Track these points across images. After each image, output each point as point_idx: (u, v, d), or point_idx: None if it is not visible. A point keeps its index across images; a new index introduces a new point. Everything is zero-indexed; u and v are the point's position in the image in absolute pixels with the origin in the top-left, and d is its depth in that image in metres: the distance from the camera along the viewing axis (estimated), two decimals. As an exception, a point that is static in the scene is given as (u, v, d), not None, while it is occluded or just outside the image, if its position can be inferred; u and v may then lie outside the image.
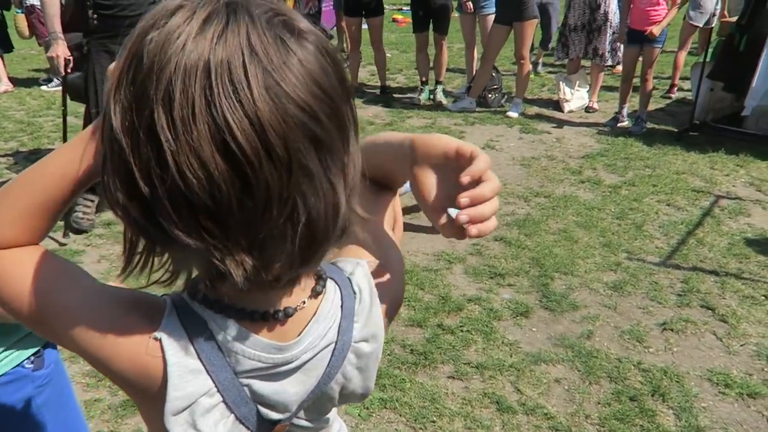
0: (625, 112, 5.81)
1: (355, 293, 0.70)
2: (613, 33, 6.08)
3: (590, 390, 2.38)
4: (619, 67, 7.68)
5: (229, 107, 0.48)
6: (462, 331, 2.72)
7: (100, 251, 3.39)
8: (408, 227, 3.61)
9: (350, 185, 0.57)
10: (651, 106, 5.98)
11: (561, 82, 6.37)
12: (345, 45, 8.36)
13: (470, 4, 6.33)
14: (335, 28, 9.18)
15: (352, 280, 0.71)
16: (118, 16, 3.27)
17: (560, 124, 5.91)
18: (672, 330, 2.74)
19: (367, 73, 7.94)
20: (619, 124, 5.79)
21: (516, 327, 2.77)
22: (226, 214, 0.51)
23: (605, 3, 5.91)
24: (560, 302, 2.94)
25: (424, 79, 6.75)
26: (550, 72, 7.80)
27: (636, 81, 5.65)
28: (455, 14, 6.88)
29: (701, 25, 6.28)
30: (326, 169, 0.54)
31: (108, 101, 0.52)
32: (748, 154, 4.89)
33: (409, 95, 6.94)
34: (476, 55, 6.78)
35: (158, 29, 0.50)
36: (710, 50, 5.39)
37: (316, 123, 0.52)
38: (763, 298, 2.97)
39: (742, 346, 2.64)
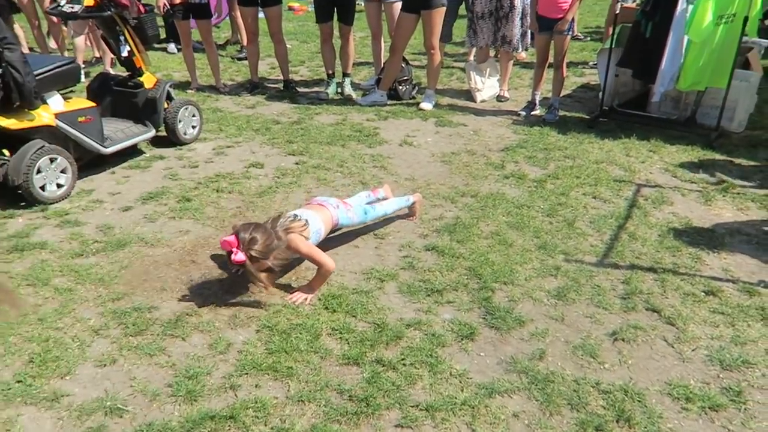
0: (537, 99, 5.73)
1: None
2: (521, 19, 5.98)
3: (552, 423, 2.14)
4: (523, 54, 7.71)
5: None
6: (404, 365, 2.39)
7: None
8: (333, 241, 3.24)
9: None
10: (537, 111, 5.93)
11: (471, 72, 6.20)
12: (240, 37, 7.77)
13: (375, -8, 5.98)
14: (228, 17, 8.52)
15: None
16: None
17: (475, 114, 5.74)
18: (623, 340, 2.57)
19: (267, 67, 7.41)
20: (533, 112, 5.70)
21: (462, 353, 2.49)
22: None
23: (511, -11, 5.78)
24: (505, 318, 2.69)
25: (330, 71, 6.35)
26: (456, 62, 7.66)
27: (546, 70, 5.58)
28: (360, 3, 6.52)
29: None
30: None
31: None
32: (658, 138, 4.93)
33: (315, 89, 6.51)
34: (383, 44, 6.47)
35: None
36: (615, 37, 5.40)
37: None
38: (703, 294, 2.89)
39: (693, 351, 2.52)
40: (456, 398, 2.23)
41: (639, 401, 2.24)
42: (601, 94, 5.46)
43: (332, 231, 3.12)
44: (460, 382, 2.32)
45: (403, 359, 2.42)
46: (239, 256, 2.58)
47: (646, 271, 3.08)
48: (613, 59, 5.29)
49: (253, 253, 2.60)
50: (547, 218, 3.65)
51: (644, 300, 2.85)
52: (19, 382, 2.27)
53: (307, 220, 2.88)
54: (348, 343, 2.51)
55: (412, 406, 2.19)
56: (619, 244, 3.34)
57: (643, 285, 2.96)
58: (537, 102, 5.73)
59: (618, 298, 2.86)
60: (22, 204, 3.70)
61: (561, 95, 5.69)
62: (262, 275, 2.66)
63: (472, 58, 7.11)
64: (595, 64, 6.55)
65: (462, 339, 2.56)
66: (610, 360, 2.46)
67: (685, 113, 5.24)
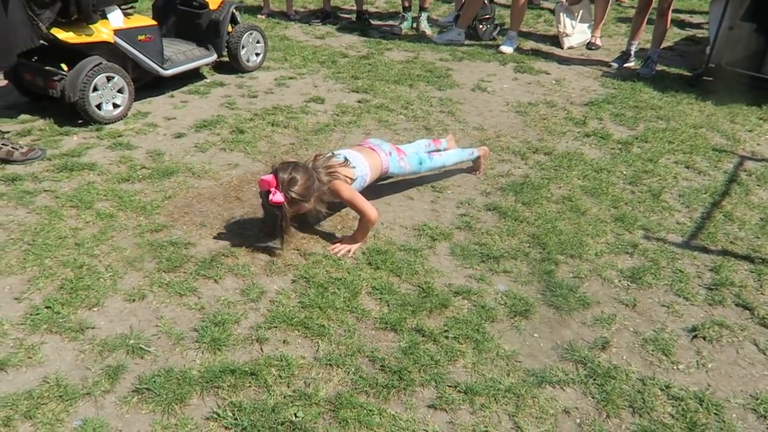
0: (633, 50, 5.12)
1: None
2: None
3: (609, 427, 1.87)
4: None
5: None
6: (447, 337, 2.15)
7: (-3, 216, 2.71)
8: (385, 189, 2.99)
9: None
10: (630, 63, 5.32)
11: (562, 14, 5.61)
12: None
13: None
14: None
15: None
16: None
17: (560, 62, 5.21)
18: (704, 338, 2.22)
19: (342, -5, 7.03)
20: (626, 64, 5.12)
21: (513, 331, 2.22)
22: None
23: None
24: (567, 297, 2.39)
25: (406, 4, 5.92)
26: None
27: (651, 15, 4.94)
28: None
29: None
30: None
31: None
32: (771, 105, 4.30)
33: (389, 23, 6.11)
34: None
35: None
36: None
37: None
38: (808, 294, 2.46)
39: (789, 361, 2.14)
40: (500, 383, 1.98)
41: (716, 414, 1.92)
42: (708, 48, 4.79)
43: (381, 179, 2.85)
44: (507, 365, 2.07)
45: (446, 331, 2.18)
46: (277, 196, 2.37)
47: (740, 259, 2.66)
48: (729, 9, 4.59)
49: (293, 195, 2.38)
50: (629, 186, 3.23)
51: (735, 294, 2.46)
52: (48, 307, 2.20)
53: (351, 162, 2.63)
54: (388, 306, 2.29)
55: (449, 386, 1.96)
56: (711, 224, 2.91)
57: (736, 276, 2.56)
58: (632, 53, 5.13)
59: (703, 288, 2.49)
60: (79, 122, 3.63)
61: (661, 47, 5.05)
62: (291, 230, 2.47)
63: (564, -2, 6.46)
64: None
65: (515, 315, 2.29)
66: (686, 360, 2.13)
67: (808, 78, 4.52)
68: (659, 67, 5.05)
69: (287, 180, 2.38)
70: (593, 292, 2.44)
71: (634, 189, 3.21)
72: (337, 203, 2.76)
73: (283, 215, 2.43)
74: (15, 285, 2.31)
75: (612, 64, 5.14)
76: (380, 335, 2.17)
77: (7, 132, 3.35)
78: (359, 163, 2.67)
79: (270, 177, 2.38)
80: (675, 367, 2.10)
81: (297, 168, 2.43)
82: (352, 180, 2.63)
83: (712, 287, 2.49)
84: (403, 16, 5.93)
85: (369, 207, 2.56)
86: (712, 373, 2.09)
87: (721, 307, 2.39)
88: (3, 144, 3.13)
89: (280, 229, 2.47)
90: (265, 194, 2.43)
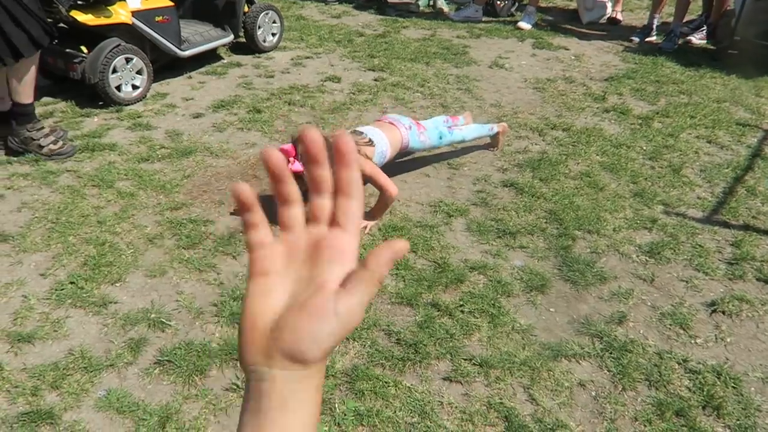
0: (655, 23, 5.01)
1: None
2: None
3: (624, 399, 1.87)
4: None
5: None
6: (463, 312, 2.17)
7: (22, 196, 2.77)
8: (401, 166, 2.99)
9: None
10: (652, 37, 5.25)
11: (582, -12, 5.50)
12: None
13: None
14: None
15: None
16: None
17: (579, 37, 5.12)
18: (723, 312, 2.20)
19: (358, -26, 6.97)
20: (647, 39, 5.01)
21: (529, 306, 2.23)
22: None
23: None
24: (584, 272, 2.38)
25: (423, -19, 5.84)
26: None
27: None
28: None
29: None
30: None
31: None
32: (799, 78, 4.18)
33: (406, 1, 6.05)
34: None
35: None
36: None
37: None
38: (832, 269, 2.42)
39: (811, 335, 2.12)
40: (516, 356, 1.99)
41: (734, 387, 1.91)
42: (734, 21, 4.66)
43: (401, 154, 2.85)
44: (523, 338, 2.07)
45: (461, 305, 2.19)
46: (297, 165, 2.38)
47: (763, 234, 2.62)
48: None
49: None
50: (648, 161, 3.19)
51: (756, 268, 2.42)
52: (72, 283, 2.26)
53: (371, 139, 2.63)
54: (404, 281, 2.31)
55: (464, 359, 1.98)
56: (733, 199, 2.87)
57: (757, 251, 2.52)
58: (654, 27, 5.01)
59: (723, 263, 2.46)
60: (100, 103, 3.68)
61: (684, 21, 4.93)
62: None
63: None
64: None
65: (531, 290, 2.29)
66: (705, 334, 2.12)
67: (838, 49, 4.38)
68: (681, 41, 4.93)
69: None
70: (611, 267, 2.43)
71: (654, 164, 3.16)
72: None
73: (302, 186, 2.43)
74: (40, 262, 2.37)
75: (633, 38, 5.04)
76: (396, 309, 2.19)
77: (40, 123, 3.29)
78: (379, 139, 2.67)
79: (289, 146, 2.39)
80: (693, 342, 2.09)
81: None
82: (371, 159, 2.63)
83: (732, 262, 2.46)
84: (420, -7, 5.86)
85: (390, 183, 2.56)
86: (730, 347, 2.07)
87: (741, 281, 2.36)
88: (33, 137, 3.07)
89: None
90: None
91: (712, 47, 4.87)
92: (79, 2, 3.45)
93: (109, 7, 3.58)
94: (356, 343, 2.03)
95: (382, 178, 2.56)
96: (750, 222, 2.71)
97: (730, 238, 2.60)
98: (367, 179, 2.63)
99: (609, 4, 5.64)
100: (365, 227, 2.59)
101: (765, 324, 2.17)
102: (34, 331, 2.04)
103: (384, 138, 2.70)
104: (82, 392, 1.83)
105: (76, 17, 3.42)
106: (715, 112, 3.73)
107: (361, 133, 2.64)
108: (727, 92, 4.05)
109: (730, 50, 4.67)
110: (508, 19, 5.58)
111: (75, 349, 1.98)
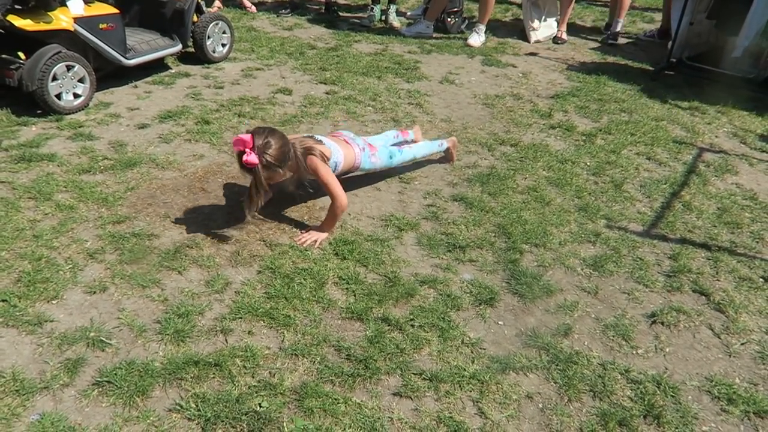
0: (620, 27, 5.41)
1: None
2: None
3: (570, 410, 1.90)
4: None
5: None
6: (412, 326, 2.17)
7: None
8: (353, 181, 2.98)
9: None
10: (621, 40, 5.61)
11: (528, 8, 5.67)
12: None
13: None
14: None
15: None
16: None
17: (526, 56, 5.27)
18: (662, 323, 2.28)
19: (310, -13, 6.97)
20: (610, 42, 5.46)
21: (478, 319, 2.25)
22: None
23: None
24: (531, 285, 2.42)
25: (375, -4, 5.90)
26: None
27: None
28: None
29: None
30: None
31: None
32: (729, 99, 4.41)
33: (358, 15, 6.09)
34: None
35: None
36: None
37: None
38: (761, 281, 2.54)
39: (743, 345, 2.22)
40: (465, 370, 2.01)
41: (673, 396, 1.98)
42: (670, 43, 4.90)
43: (349, 173, 2.84)
44: (472, 352, 2.09)
45: (411, 320, 2.19)
46: (252, 157, 2.33)
47: (698, 247, 2.74)
48: (690, 5, 4.70)
49: (267, 158, 2.35)
50: (592, 177, 3.29)
51: (692, 280, 2.53)
52: (3, 301, 2.14)
53: (327, 145, 2.63)
54: (354, 296, 2.30)
55: (414, 374, 1.98)
56: (670, 213, 2.99)
57: (693, 263, 2.63)
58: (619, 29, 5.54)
59: (662, 275, 2.55)
60: (38, 112, 3.53)
61: (623, 43, 5.18)
62: (261, 194, 2.42)
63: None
64: (650, 34, 5.99)
65: (480, 304, 2.31)
66: (645, 345, 2.19)
67: (764, 73, 4.66)
68: (622, 62, 5.15)
69: (263, 143, 2.35)
70: (557, 280, 2.48)
71: (597, 180, 3.27)
72: (309, 192, 2.77)
73: (257, 179, 2.39)
74: (-31, 278, 2.24)
75: (605, 39, 5.59)
76: (346, 325, 2.17)
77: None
78: (335, 150, 2.66)
79: (247, 136, 2.34)
80: (634, 352, 2.16)
81: (274, 133, 2.41)
82: (328, 159, 2.61)
83: (670, 274, 2.56)
84: (372, 8, 5.91)
85: (342, 193, 2.55)
86: (669, 357, 2.15)
87: (679, 293, 2.46)
88: None
89: (250, 193, 2.44)
90: (239, 155, 2.38)
91: (650, 68, 5.09)
92: (16, 6, 3.31)
93: (49, 13, 3.45)
94: (305, 359, 2.00)
95: (336, 185, 2.55)
96: (686, 236, 2.83)
97: (668, 251, 2.71)
98: (320, 182, 2.61)
99: (555, 25, 5.83)
100: (315, 241, 2.57)
101: (701, 334, 2.26)
102: (-40, 352, 1.92)
103: (339, 151, 2.69)
104: (12, 417, 1.73)
105: (13, 22, 3.28)
106: (654, 130, 3.89)
107: (320, 140, 2.64)
108: (664, 111, 4.24)
109: (667, 71, 4.91)
110: (459, 36, 5.69)
111: (6, 371, 1.87)
